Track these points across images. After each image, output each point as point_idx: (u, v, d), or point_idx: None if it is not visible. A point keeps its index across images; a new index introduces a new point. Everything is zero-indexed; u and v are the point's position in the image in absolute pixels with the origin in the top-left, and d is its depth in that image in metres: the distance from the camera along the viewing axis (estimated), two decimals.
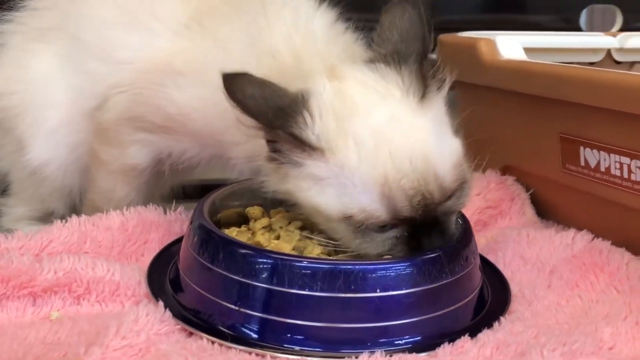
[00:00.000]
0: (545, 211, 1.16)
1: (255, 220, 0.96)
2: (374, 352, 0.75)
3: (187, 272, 0.86)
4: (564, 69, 1.06)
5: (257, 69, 0.82)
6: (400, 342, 0.78)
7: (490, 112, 1.25)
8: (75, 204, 1.14)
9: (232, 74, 0.79)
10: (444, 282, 0.81)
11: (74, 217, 0.99)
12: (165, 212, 1.05)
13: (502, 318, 0.83)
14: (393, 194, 0.80)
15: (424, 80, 0.85)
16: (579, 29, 1.82)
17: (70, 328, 0.79)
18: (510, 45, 1.20)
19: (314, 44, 0.93)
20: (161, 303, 0.81)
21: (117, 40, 1.01)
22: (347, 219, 0.81)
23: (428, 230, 0.82)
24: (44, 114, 1.05)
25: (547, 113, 1.08)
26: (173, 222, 1.04)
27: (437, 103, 0.87)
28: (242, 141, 0.92)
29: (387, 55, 0.86)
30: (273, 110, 0.80)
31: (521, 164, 1.19)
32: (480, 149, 1.29)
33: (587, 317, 0.82)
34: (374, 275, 0.78)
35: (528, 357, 0.71)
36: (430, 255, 0.81)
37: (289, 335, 0.78)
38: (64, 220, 0.99)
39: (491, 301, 0.89)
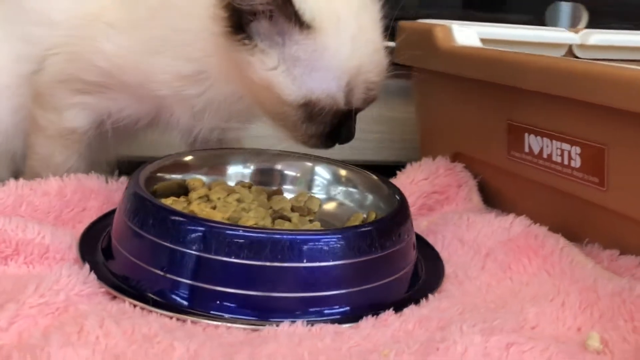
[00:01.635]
0: (492, 198, 1.16)
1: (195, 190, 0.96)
2: (294, 321, 0.74)
3: (119, 238, 0.85)
4: (511, 54, 1.06)
5: None
6: (329, 311, 0.78)
7: (444, 100, 1.25)
8: (19, 171, 1.12)
9: None
10: (373, 256, 0.80)
11: (12, 181, 0.98)
12: (107, 181, 1.03)
13: (430, 295, 0.83)
14: (358, 85, 0.82)
15: None
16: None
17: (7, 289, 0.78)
18: (466, 33, 1.20)
19: None
20: (87, 265, 0.80)
21: (53, 2, 1.00)
22: (306, 104, 0.82)
23: (348, 123, 0.85)
24: None
25: (497, 100, 1.08)
26: (113, 192, 1.02)
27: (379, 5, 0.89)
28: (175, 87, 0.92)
29: None
30: None
31: (471, 152, 1.19)
32: (432, 135, 1.31)
33: (515, 297, 0.82)
34: (304, 246, 0.78)
35: (447, 331, 0.71)
36: (362, 229, 0.81)
37: (217, 302, 0.77)
38: (0, 184, 0.97)
39: (424, 280, 0.88)
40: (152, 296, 0.78)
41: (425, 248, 0.96)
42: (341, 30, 0.81)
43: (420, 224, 1.05)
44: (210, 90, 0.92)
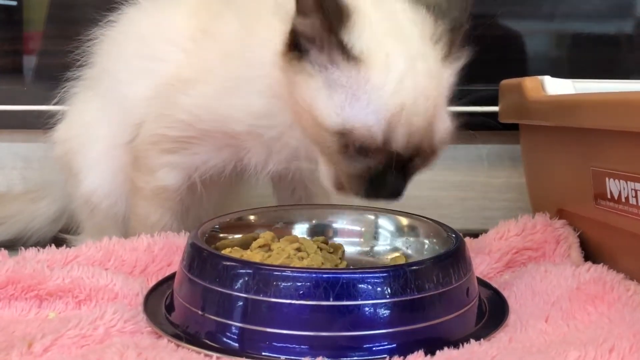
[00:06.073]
0: (593, 254, 1.07)
1: None
2: None
3: (177, 289, 0.88)
4: (587, 95, 1.01)
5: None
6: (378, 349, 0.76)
7: (542, 155, 1.20)
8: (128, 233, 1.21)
9: None
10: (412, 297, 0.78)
11: (105, 238, 1.06)
12: None
13: (473, 341, 0.79)
14: (399, 125, 0.83)
15: (451, 45, 0.90)
16: None
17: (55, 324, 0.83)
18: (560, 85, 1.16)
19: None
20: (137, 306, 0.85)
21: (139, 80, 1.09)
22: (343, 132, 0.84)
23: (394, 175, 0.85)
24: (91, 148, 1.15)
25: (581, 147, 1.03)
26: None
27: (452, 71, 0.91)
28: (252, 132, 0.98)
29: (430, 3, 0.90)
30: (335, 6, 0.83)
31: (570, 206, 1.12)
32: (538, 194, 1.25)
33: (563, 343, 0.76)
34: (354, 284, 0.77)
35: None
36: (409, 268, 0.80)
37: (267, 343, 0.77)
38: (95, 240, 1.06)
39: (479, 327, 0.85)
40: (206, 340, 0.80)
41: (495, 298, 0.93)
42: (389, 67, 0.83)
43: (501, 277, 1.01)
44: (278, 127, 0.96)
